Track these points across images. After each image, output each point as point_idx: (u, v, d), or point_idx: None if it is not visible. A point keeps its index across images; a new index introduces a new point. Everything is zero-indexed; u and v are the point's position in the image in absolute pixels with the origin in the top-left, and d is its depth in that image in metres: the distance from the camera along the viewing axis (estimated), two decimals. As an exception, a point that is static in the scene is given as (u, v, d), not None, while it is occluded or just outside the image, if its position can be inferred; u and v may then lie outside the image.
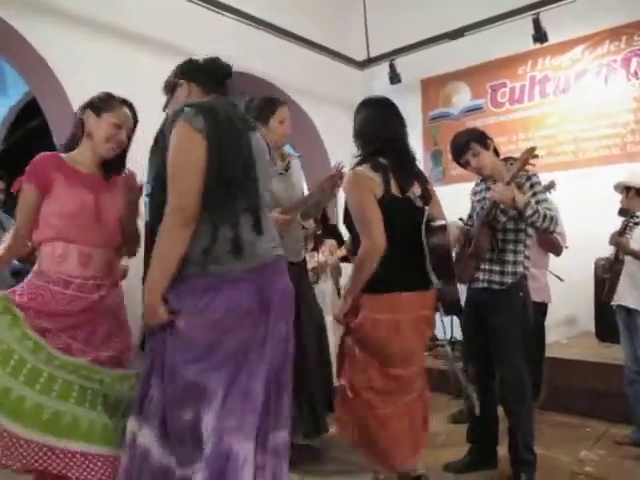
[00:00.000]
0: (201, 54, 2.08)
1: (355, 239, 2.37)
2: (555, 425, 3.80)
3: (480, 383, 2.96)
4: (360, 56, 6.04)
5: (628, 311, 3.28)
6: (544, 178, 5.28)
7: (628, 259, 3.29)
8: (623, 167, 4.92)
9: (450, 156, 5.88)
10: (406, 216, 2.35)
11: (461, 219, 3.47)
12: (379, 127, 2.41)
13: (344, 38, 6.22)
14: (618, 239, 3.25)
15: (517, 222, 2.78)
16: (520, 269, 2.82)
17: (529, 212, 2.63)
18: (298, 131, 6.66)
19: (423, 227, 2.35)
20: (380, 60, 5.87)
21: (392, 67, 5.73)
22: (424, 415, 2.54)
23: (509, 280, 2.80)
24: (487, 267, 2.86)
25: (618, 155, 5.05)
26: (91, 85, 4.29)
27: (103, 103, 2.23)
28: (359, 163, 2.41)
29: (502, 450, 2.98)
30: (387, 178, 2.30)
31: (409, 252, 2.34)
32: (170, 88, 2.02)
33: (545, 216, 2.65)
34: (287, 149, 3.22)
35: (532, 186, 2.78)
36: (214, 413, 1.66)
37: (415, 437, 2.43)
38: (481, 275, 2.88)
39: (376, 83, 6.26)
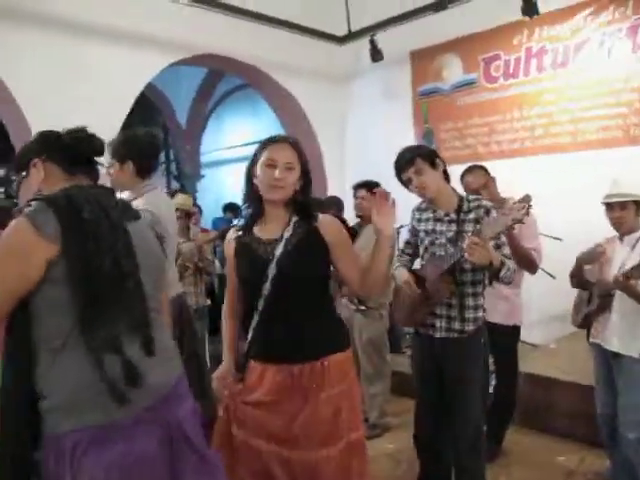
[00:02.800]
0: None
1: None
2: (529, 451, 3.51)
3: (431, 441, 2.69)
4: (341, 31, 5.57)
5: (615, 355, 2.72)
6: (541, 161, 4.95)
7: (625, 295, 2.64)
8: (625, 151, 4.49)
9: (441, 135, 5.61)
10: None
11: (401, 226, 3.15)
12: None
13: (324, 13, 5.74)
14: (626, 283, 2.52)
15: None
16: (480, 314, 2.52)
17: (503, 272, 2.34)
18: (284, 110, 6.37)
19: None
20: (361, 35, 5.39)
21: (372, 43, 5.24)
22: None
23: (470, 327, 2.49)
24: (445, 313, 2.51)
25: (620, 138, 4.54)
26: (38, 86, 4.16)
27: None
28: None
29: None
30: None
31: None
32: (20, 169, 1.60)
33: (509, 270, 2.36)
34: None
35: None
36: None
37: None
38: (437, 322, 2.53)
39: (361, 58, 5.80)
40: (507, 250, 2.46)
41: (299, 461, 1.89)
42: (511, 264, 2.37)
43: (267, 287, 1.92)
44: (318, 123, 6.31)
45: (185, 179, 10.32)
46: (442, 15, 4.96)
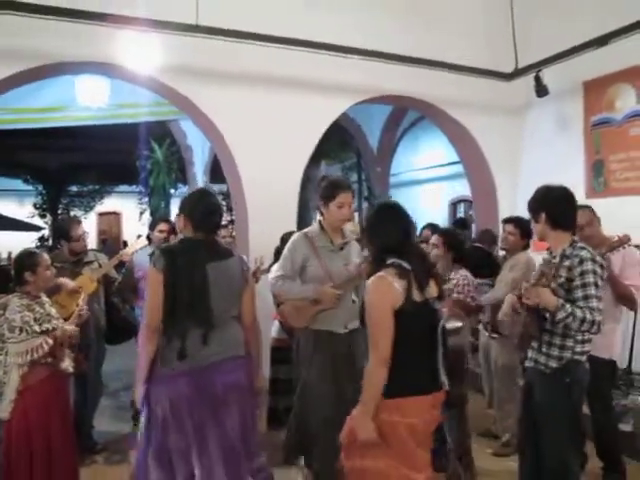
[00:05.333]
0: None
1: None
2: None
3: (524, 451, 2.93)
4: (509, 67, 5.87)
5: None
6: None
7: None
8: None
9: (612, 166, 5.59)
10: (422, 320, 2.30)
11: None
12: (402, 229, 2.38)
13: (494, 51, 6.10)
14: None
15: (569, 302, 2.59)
16: (567, 354, 2.66)
17: (560, 316, 2.52)
18: (460, 142, 6.82)
19: (439, 329, 2.34)
20: (529, 70, 5.63)
21: (537, 79, 5.44)
22: None
23: (554, 364, 2.68)
24: (535, 346, 2.77)
25: None
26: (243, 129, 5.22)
27: None
28: (382, 262, 2.33)
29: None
30: (410, 284, 2.24)
31: (422, 355, 2.31)
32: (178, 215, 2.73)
33: (583, 320, 2.49)
34: (348, 231, 3.43)
35: (582, 274, 2.58)
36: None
37: None
38: (529, 353, 2.81)
39: (532, 91, 5.98)
40: (593, 304, 2.52)
41: None
42: (582, 314, 2.49)
43: None
44: (492, 155, 6.60)
45: (374, 200, 11.17)
46: (615, 44, 5.00)
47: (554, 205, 2.78)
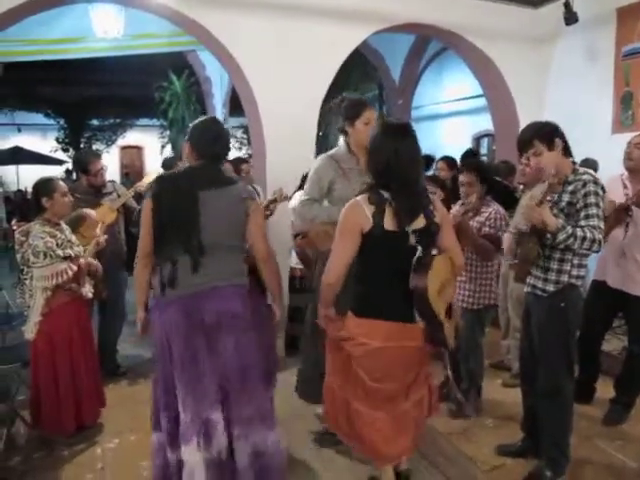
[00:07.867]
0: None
1: None
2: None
3: (526, 379, 3.05)
4: (538, -7, 5.61)
5: None
6: None
7: None
8: None
9: (640, 100, 5.41)
10: (392, 248, 2.33)
11: None
12: (385, 158, 2.31)
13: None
14: None
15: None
16: (564, 278, 2.72)
17: (561, 237, 2.55)
18: (483, 74, 6.61)
19: (413, 264, 2.31)
20: (558, -4, 5.38)
21: (567, 6, 5.20)
22: (420, 419, 2.59)
23: (551, 288, 2.75)
24: (533, 272, 2.83)
25: None
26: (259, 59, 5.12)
27: None
28: (366, 190, 2.39)
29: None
30: (381, 212, 2.27)
31: (393, 284, 2.36)
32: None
33: (584, 239, 2.53)
34: None
35: (585, 195, 2.61)
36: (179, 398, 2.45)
37: (401, 438, 2.50)
38: (528, 279, 2.88)
39: (561, 19, 5.72)
40: (594, 222, 2.56)
41: None
42: (582, 233, 2.51)
43: None
44: (516, 87, 6.40)
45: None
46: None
47: (562, 133, 2.76)
